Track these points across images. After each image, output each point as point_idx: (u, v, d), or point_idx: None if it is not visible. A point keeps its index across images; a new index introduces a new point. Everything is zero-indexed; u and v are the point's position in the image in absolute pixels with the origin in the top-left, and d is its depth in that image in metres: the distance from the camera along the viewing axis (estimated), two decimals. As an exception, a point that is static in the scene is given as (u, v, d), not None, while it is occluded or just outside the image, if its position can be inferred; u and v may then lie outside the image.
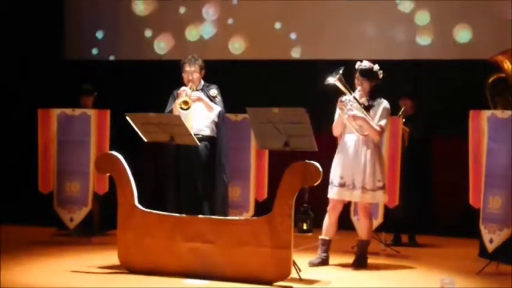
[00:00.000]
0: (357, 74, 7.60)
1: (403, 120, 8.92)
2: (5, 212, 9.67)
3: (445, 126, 9.64)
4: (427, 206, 9.30)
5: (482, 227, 7.63)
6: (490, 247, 7.53)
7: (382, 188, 7.55)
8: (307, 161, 6.78)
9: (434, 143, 9.37)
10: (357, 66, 7.60)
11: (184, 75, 8.09)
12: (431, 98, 9.78)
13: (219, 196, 8.06)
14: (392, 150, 8.56)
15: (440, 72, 10.12)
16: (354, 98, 7.47)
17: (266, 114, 6.96)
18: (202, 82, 8.18)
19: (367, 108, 7.52)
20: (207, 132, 8.06)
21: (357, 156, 7.48)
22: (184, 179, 7.86)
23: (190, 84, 8.01)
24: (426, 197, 9.27)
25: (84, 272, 7.20)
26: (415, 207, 9.10)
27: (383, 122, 7.54)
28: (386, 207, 8.60)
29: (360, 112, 7.45)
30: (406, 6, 10.40)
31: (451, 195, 9.66)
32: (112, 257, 7.36)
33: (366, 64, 7.60)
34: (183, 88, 7.97)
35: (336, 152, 7.63)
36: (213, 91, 8.12)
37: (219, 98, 8.13)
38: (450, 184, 9.70)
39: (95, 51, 11.40)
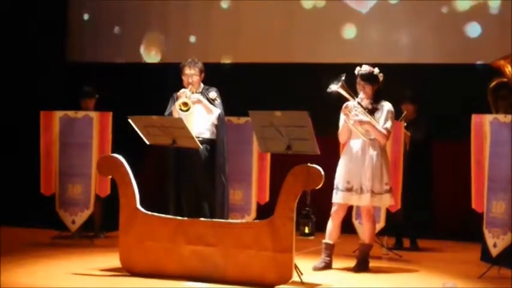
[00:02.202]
0: (358, 79, 7.60)
1: (405, 124, 8.92)
2: (7, 214, 9.67)
3: (446, 131, 9.64)
4: (429, 210, 9.30)
5: (486, 231, 7.63)
6: (494, 251, 7.53)
7: (389, 191, 7.56)
8: (309, 164, 6.78)
9: (436, 147, 9.37)
10: (356, 72, 7.60)
11: (184, 78, 8.11)
12: (433, 102, 9.77)
13: (219, 198, 8.07)
14: (394, 154, 8.56)
15: (442, 76, 10.11)
16: (358, 103, 7.47)
17: (268, 118, 6.97)
18: (202, 85, 8.20)
19: (371, 112, 7.52)
20: (207, 134, 8.07)
21: (364, 161, 7.48)
22: (185, 180, 7.88)
23: (190, 86, 8.03)
24: (428, 201, 9.26)
25: (86, 274, 7.19)
26: (417, 211, 9.09)
27: (388, 125, 7.55)
28: (388, 211, 8.60)
29: (365, 117, 7.46)
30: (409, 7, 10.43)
31: (453, 199, 9.66)
32: (114, 259, 7.36)
33: (366, 68, 7.60)
34: (182, 90, 8.00)
35: (341, 157, 7.62)
36: (213, 94, 8.14)
37: (218, 101, 8.15)
38: (452, 188, 9.71)
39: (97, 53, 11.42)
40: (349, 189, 7.48)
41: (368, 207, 7.58)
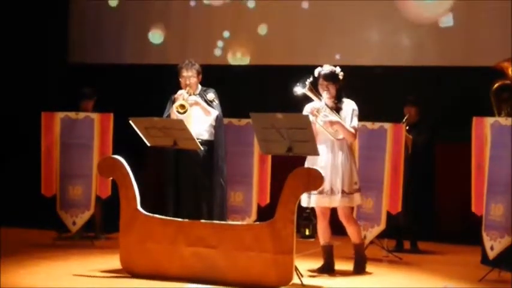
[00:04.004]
0: (321, 80, 7.53)
1: (407, 127, 8.92)
2: (7, 215, 9.67)
3: (448, 133, 9.63)
4: (430, 213, 9.30)
5: (484, 234, 7.63)
6: (491, 254, 7.52)
7: (358, 190, 7.53)
8: (310, 166, 6.78)
9: (437, 150, 9.37)
10: (317, 73, 7.54)
11: (182, 80, 8.09)
12: (435, 104, 9.78)
13: (217, 199, 8.07)
14: (396, 157, 8.55)
15: (443, 78, 10.12)
16: (326, 104, 7.45)
17: (270, 120, 6.97)
18: (200, 86, 8.19)
19: (337, 111, 7.48)
20: (205, 136, 8.06)
21: (334, 161, 7.42)
22: (184, 181, 7.88)
23: (187, 88, 8.03)
24: (429, 204, 9.26)
25: (86, 276, 7.20)
26: (418, 214, 9.10)
27: (355, 123, 7.51)
28: (388, 214, 8.60)
29: (334, 117, 7.43)
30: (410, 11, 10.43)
31: (454, 202, 9.66)
32: (114, 261, 7.37)
33: (327, 68, 7.56)
34: (180, 92, 7.99)
35: (308, 161, 7.45)
36: (211, 95, 8.13)
37: (216, 102, 8.13)
38: (453, 191, 9.69)
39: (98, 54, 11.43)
40: (320, 192, 7.39)
41: (343, 210, 7.54)
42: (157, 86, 10.43)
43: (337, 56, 10.40)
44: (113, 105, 9.19)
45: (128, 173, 7.24)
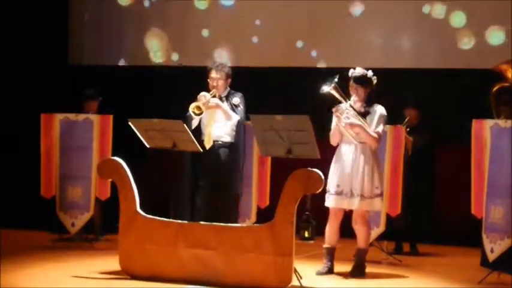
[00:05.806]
0: (351, 82, 7.54)
1: (407, 129, 8.92)
2: (7, 216, 9.67)
3: (448, 136, 9.63)
4: (429, 215, 9.30)
5: (484, 237, 7.63)
6: (491, 256, 7.52)
7: (380, 195, 7.52)
8: (309, 168, 6.78)
9: (437, 152, 9.37)
10: (350, 74, 7.56)
11: (210, 81, 8.05)
12: (435, 107, 9.78)
13: (231, 201, 8.06)
14: (395, 159, 8.55)
15: (443, 81, 10.12)
16: (350, 105, 7.45)
17: (269, 122, 6.97)
18: (228, 89, 8.15)
19: (364, 115, 7.48)
20: (227, 138, 8.02)
21: (355, 164, 7.43)
22: (201, 181, 7.89)
23: (213, 90, 7.99)
24: (428, 206, 9.27)
25: (86, 277, 7.20)
26: (417, 216, 9.10)
27: (380, 129, 7.51)
28: (388, 216, 8.60)
29: (356, 120, 7.43)
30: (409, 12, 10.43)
31: (454, 204, 9.64)
32: (113, 262, 7.36)
33: (359, 71, 7.56)
34: (202, 93, 7.93)
35: (333, 161, 7.54)
36: (236, 99, 8.09)
37: (241, 107, 8.07)
38: (452, 193, 9.69)
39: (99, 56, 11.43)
40: (339, 193, 7.41)
41: (361, 212, 7.55)
42: (157, 87, 10.44)
43: (337, 58, 10.40)
44: (113, 106, 9.17)
45: (127, 175, 7.24)
